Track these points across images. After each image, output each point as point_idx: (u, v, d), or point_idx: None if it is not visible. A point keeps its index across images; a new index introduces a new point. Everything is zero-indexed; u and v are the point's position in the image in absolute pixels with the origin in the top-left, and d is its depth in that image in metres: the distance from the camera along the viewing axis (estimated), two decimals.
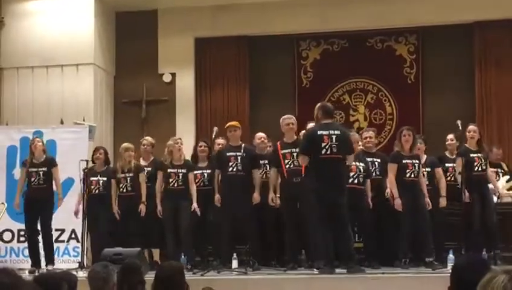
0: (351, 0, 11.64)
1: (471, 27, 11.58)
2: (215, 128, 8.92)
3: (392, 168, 8.41)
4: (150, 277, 4.85)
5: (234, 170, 8.62)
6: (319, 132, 7.71)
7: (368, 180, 8.65)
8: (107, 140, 11.73)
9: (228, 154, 8.69)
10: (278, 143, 8.64)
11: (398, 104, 11.97)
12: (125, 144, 9.31)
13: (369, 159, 8.78)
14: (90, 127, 10.56)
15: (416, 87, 11.92)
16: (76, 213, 9.25)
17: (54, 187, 9.16)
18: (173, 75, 12.23)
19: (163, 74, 12.25)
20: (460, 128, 8.76)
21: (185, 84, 12.21)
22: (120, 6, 12.22)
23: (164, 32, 12.17)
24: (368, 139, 9.01)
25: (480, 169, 8.54)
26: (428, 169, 8.72)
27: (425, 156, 8.86)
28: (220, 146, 9.26)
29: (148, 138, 9.72)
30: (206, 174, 9.17)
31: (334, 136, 7.63)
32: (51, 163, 9.16)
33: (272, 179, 8.59)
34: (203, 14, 12.01)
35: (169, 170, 8.95)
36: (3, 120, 11.59)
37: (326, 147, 7.61)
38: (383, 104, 12.04)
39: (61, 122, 11.09)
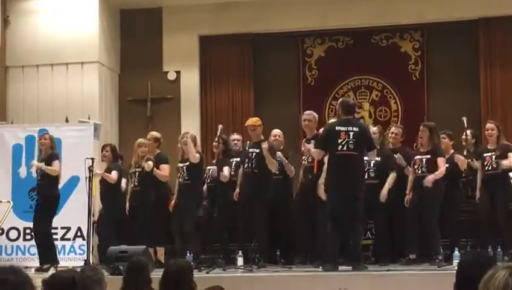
0: None
1: (476, 24, 11.55)
2: (220, 126, 8.93)
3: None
4: (155, 275, 4.86)
5: (249, 165, 8.63)
6: (337, 128, 7.71)
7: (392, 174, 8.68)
8: (112, 138, 11.72)
9: (250, 150, 8.72)
10: (304, 139, 8.67)
11: (403, 101, 11.94)
12: (138, 140, 9.47)
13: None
14: (96, 125, 10.53)
15: (421, 84, 11.90)
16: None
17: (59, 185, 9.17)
18: (178, 73, 12.22)
19: (168, 72, 12.24)
20: (465, 125, 8.72)
21: (190, 82, 12.20)
22: (125, 4, 12.22)
23: (168, 30, 12.16)
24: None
25: (490, 168, 8.51)
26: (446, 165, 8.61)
27: (452, 150, 8.75)
28: (236, 142, 9.40)
29: (152, 133, 9.77)
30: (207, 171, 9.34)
31: (351, 133, 7.60)
32: (48, 159, 9.00)
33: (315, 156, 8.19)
34: (207, 12, 11.99)
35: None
36: (9, 118, 11.59)
37: (343, 143, 7.59)
38: (388, 101, 12.02)
39: (66, 121, 11.09)
